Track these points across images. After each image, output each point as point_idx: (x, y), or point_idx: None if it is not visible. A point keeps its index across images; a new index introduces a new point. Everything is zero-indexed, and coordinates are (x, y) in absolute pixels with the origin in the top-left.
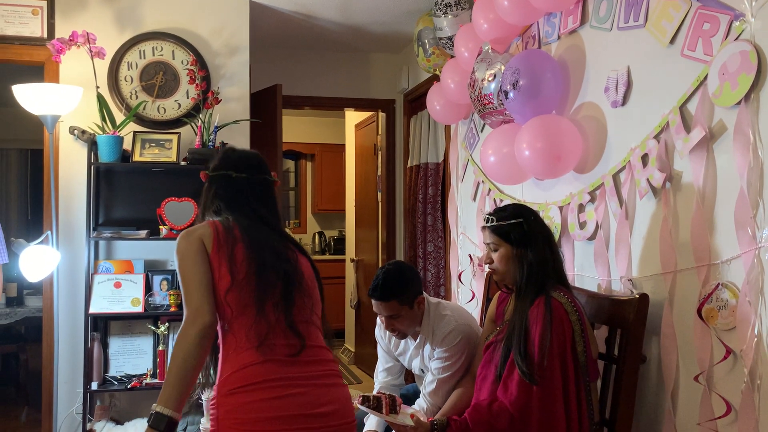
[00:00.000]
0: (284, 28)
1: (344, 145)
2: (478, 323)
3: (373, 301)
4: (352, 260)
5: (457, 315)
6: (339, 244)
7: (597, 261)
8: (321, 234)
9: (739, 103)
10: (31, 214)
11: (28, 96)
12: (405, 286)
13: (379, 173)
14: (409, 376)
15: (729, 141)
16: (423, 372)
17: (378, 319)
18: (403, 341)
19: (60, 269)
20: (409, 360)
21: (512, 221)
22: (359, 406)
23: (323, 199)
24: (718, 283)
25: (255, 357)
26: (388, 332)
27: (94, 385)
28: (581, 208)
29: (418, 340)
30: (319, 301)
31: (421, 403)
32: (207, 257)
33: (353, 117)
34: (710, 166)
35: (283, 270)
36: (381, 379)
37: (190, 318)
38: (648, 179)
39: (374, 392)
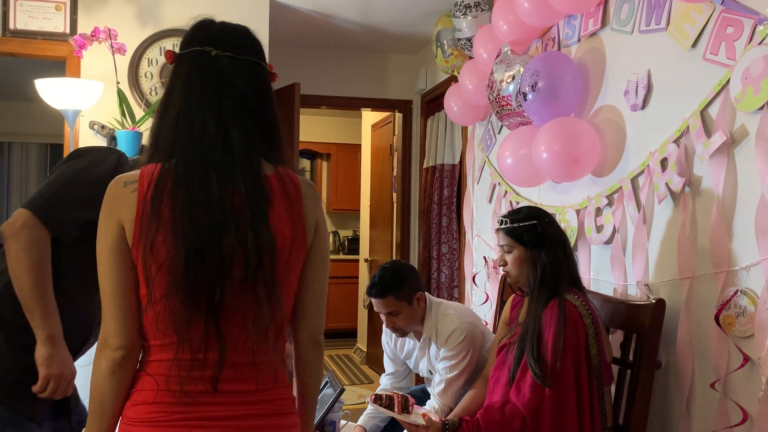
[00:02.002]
0: (303, 27)
1: (360, 145)
2: (485, 324)
3: (372, 300)
4: (366, 260)
5: (461, 314)
6: (353, 244)
7: (613, 265)
8: (335, 233)
9: (761, 107)
10: None
11: (50, 90)
12: (401, 282)
13: (394, 174)
14: (419, 378)
15: (750, 146)
16: (431, 374)
17: (384, 329)
18: (407, 344)
19: None
20: (415, 362)
21: (526, 223)
22: (371, 404)
23: (338, 199)
24: (737, 290)
25: (167, 397)
26: (394, 337)
27: None
28: (598, 211)
29: (421, 341)
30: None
31: (432, 404)
32: (127, 252)
33: (370, 117)
34: (731, 171)
35: (219, 258)
36: (385, 383)
37: (100, 344)
38: (667, 184)
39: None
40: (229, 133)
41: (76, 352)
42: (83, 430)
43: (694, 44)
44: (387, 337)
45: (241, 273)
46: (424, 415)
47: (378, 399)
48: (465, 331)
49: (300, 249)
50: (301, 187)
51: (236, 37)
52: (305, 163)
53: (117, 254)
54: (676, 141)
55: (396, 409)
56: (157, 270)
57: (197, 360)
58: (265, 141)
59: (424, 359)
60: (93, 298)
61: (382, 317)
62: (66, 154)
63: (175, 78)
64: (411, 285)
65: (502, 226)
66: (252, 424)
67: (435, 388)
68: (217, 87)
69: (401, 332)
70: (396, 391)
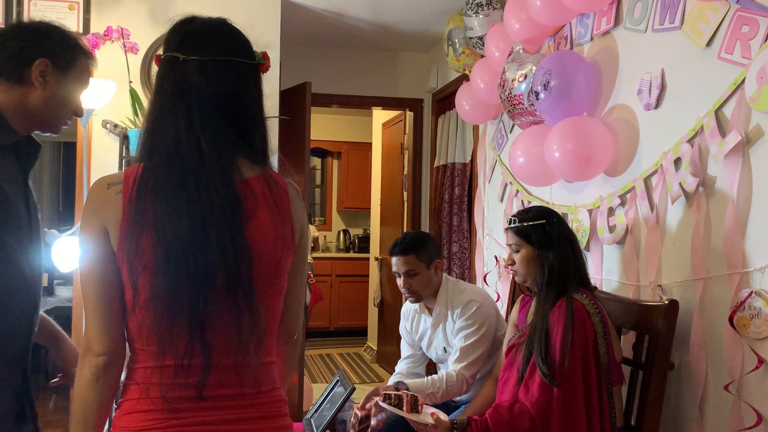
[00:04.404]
0: (314, 25)
1: (371, 143)
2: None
3: (393, 260)
4: (377, 259)
5: (475, 289)
6: (363, 243)
7: (626, 266)
8: (346, 232)
9: None
10: (62, 206)
11: None
12: (424, 244)
13: (405, 172)
14: (429, 370)
15: (766, 146)
16: (445, 351)
17: (402, 314)
18: (422, 323)
19: None
20: (428, 342)
21: (534, 222)
22: (381, 403)
23: (349, 197)
24: (751, 291)
25: (152, 405)
26: (410, 318)
27: (122, 375)
28: (611, 211)
29: (434, 316)
30: (276, 287)
31: (440, 374)
32: (111, 255)
33: (381, 116)
34: (745, 171)
35: (203, 264)
36: (401, 368)
37: (83, 351)
38: (680, 184)
39: (390, 380)
40: (200, 138)
41: (24, 354)
42: None
43: (709, 43)
44: (404, 320)
45: (223, 282)
46: (432, 414)
47: (387, 398)
48: (479, 302)
49: (289, 250)
50: (288, 190)
51: (208, 38)
52: (316, 162)
53: (101, 257)
54: (690, 141)
55: (405, 408)
56: (142, 271)
57: (181, 366)
58: (243, 142)
59: (438, 337)
60: (16, 295)
61: (399, 280)
62: (79, 152)
63: (155, 84)
64: (432, 250)
65: (511, 225)
66: (240, 428)
67: (451, 358)
68: (186, 92)
69: (416, 296)
70: (405, 391)
